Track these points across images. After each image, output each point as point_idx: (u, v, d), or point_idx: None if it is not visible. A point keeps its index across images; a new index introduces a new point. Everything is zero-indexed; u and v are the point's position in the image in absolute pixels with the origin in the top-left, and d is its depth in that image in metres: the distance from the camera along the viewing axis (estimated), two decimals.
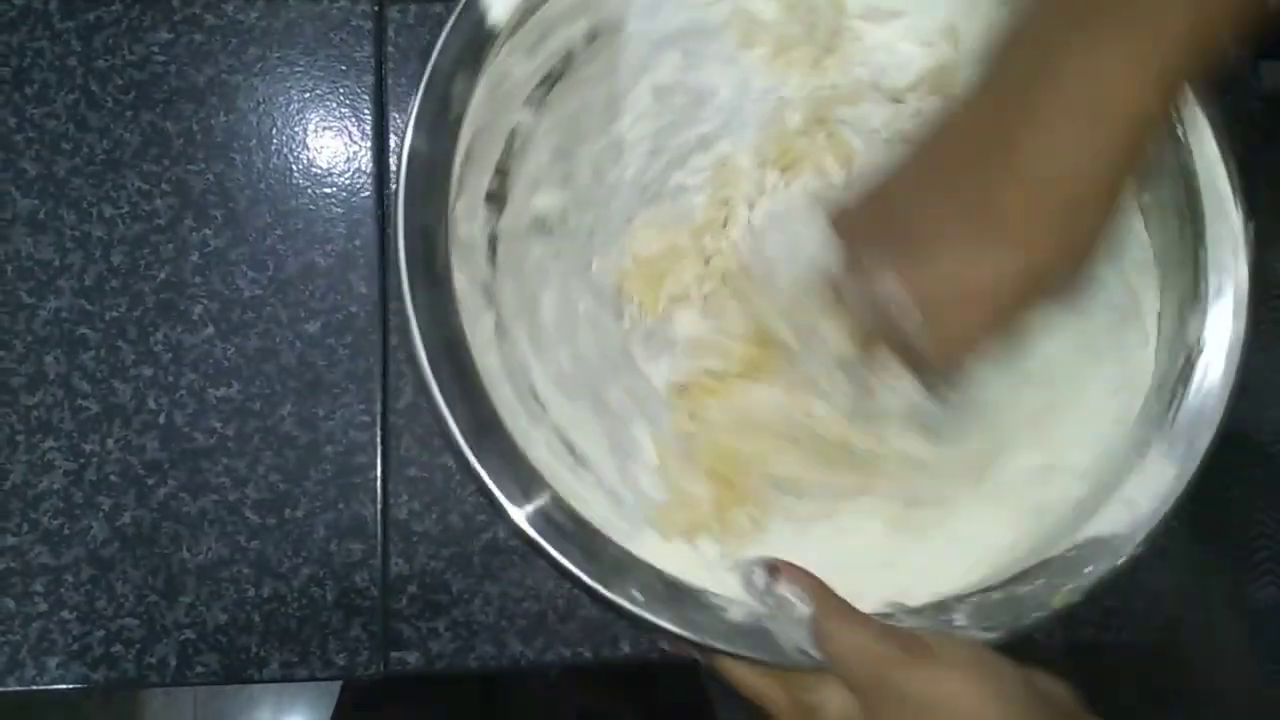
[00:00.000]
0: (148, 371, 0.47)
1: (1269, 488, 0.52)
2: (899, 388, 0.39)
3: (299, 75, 0.50)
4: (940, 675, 0.33)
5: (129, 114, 0.49)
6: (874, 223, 0.38)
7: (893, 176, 0.37)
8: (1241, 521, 0.52)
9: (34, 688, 0.45)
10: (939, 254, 0.35)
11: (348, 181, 0.49)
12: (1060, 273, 0.35)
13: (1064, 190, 0.33)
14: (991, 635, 0.37)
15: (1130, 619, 0.49)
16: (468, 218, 0.39)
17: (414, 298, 0.36)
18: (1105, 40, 0.32)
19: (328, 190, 0.49)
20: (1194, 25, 0.32)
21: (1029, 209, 0.33)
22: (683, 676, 0.67)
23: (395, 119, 0.50)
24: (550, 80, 0.42)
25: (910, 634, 0.34)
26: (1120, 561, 0.38)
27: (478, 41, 0.38)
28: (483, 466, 0.35)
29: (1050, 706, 0.34)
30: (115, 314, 0.47)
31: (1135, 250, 0.44)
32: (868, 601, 0.37)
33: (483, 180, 0.40)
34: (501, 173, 0.41)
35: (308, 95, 0.50)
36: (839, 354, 0.40)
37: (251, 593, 0.46)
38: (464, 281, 0.37)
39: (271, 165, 0.49)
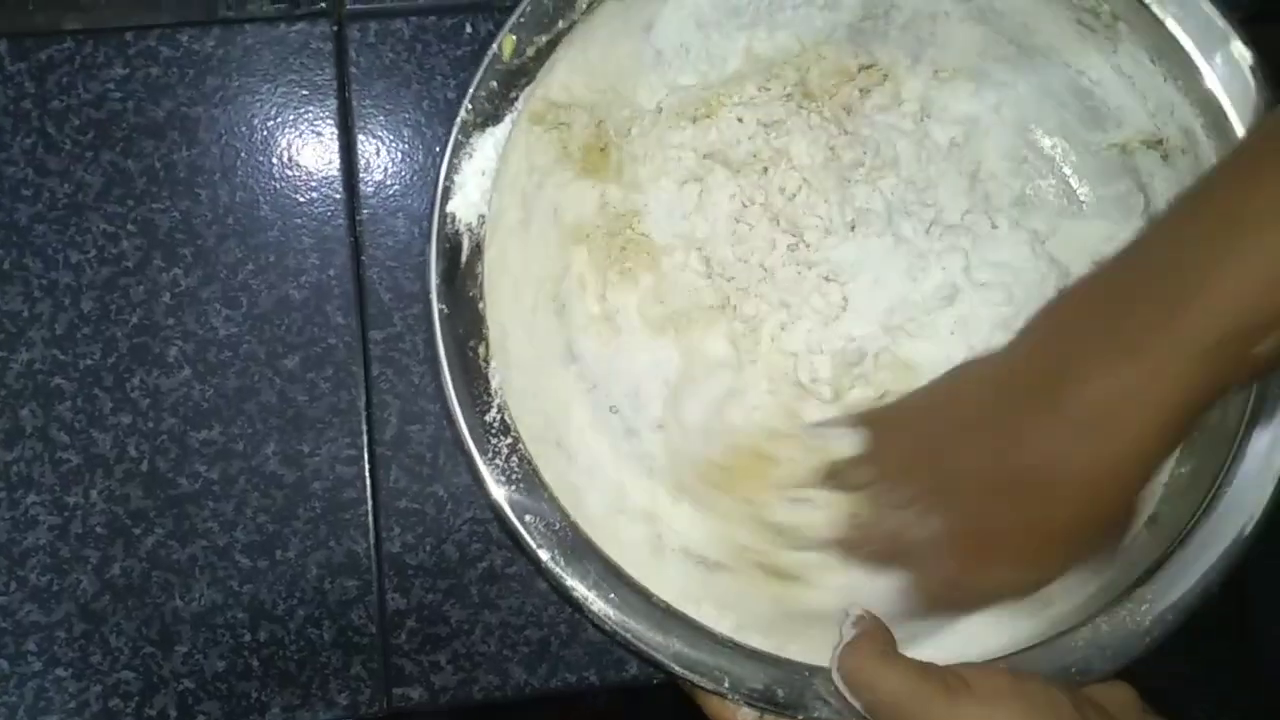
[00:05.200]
0: (126, 419, 0.46)
1: None
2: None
3: (260, 103, 0.48)
4: (983, 712, 0.32)
5: (89, 155, 0.47)
6: (906, 436, 0.39)
7: (928, 400, 0.39)
8: None
9: None
10: (973, 505, 0.35)
11: (317, 210, 0.48)
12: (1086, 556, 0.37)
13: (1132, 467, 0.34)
14: None
15: None
16: None
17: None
18: (1126, 353, 0.32)
19: (297, 220, 0.48)
20: (1223, 338, 0.31)
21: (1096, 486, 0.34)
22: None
23: (361, 142, 0.48)
24: None
25: (949, 671, 0.34)
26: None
27: None
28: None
29: None
30: (89, 362, 0.46)
31: None
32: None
33: None
34: None
35: (271, 123, 0.48)
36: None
37: (248, 637, 0.46)
38: None
39: (238, 199, 0.47)
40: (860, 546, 0.38)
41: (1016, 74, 0.48)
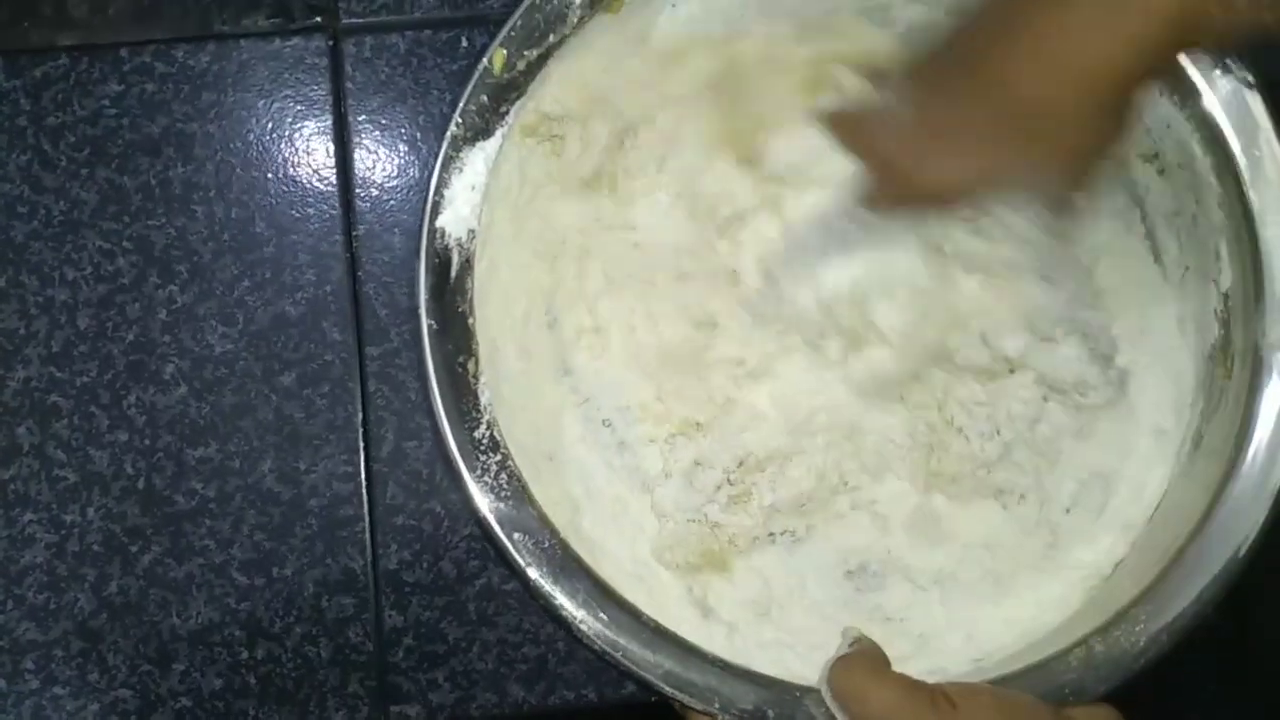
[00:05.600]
0: (123, 436, 0.46)
1: None
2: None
3: (256, 118, 0.48)
4: None
5: (84, 171, 0.47)
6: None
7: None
8: None
9: None
10: (945, 106, 0.36)
11: (314, 226, 0.48)
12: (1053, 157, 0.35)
13: (1076, 71, 0.33)
14: None
15: None
16: None
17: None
18: None
19: (294, 236, 0.47)
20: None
21: (1038, 82, 0.34)
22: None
23: (357, 157, 0.48)
24: None
25: (937, 689, 0.34)
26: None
27: None
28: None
29: None
30: (86, 379, 0.46)
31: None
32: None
33: None
34: None
35: (266, 139, 0.48)
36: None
37: (245, 655, 0.46)
38: None
39: (234, 215, 0.47)
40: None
41: None
